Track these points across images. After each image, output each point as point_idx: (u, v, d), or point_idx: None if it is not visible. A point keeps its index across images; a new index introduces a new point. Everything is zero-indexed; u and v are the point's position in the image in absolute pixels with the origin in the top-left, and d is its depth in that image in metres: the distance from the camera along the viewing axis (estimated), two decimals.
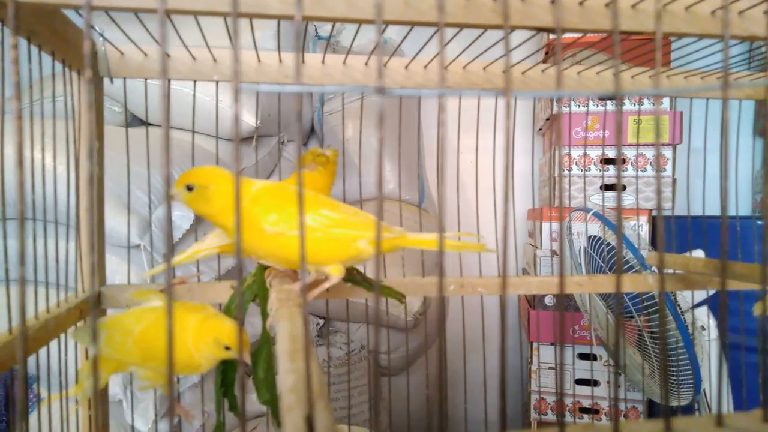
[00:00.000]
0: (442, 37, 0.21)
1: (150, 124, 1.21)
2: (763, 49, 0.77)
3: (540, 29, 0.44)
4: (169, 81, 0.62)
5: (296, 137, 1.75)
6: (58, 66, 0.53)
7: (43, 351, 0.49)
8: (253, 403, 1.19)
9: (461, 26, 0.43)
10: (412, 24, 0.43)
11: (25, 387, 0.23)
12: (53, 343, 0.50)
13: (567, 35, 1.03)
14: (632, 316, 1.04)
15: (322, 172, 0.63)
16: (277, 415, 0.52)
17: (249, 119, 1.27)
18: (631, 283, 0.71)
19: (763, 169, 1.57)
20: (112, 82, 0.60)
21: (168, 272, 0.19)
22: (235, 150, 0.18)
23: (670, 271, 0.75)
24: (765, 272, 0.23)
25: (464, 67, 0.67)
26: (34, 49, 0.48)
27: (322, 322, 1.43)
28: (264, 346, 0.54)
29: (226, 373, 0.55)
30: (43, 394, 1.04)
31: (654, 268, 0.87)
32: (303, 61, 0.64)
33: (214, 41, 0.62)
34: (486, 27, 0.43)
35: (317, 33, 1.65)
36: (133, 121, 1.44)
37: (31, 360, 0.79)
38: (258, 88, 0.19)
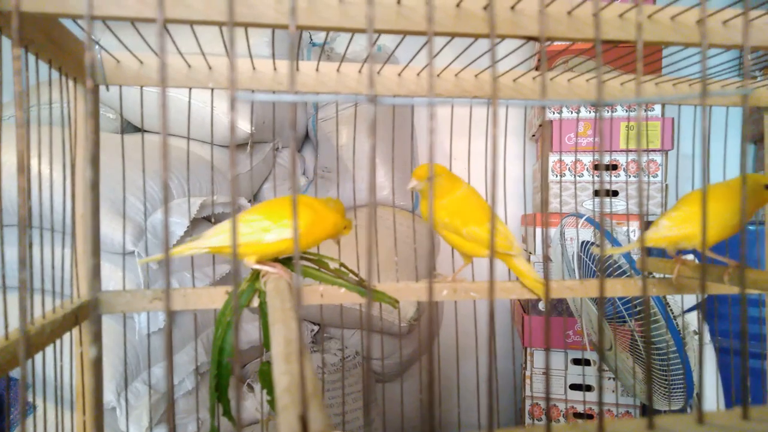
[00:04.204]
0: (431, 46, 0.22)
1: (145, 131, 1.22)
2: (755, 56, 0.78)
3: (529, 38, 0.45)
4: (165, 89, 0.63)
5: (290, 144, 1.76)
6: (48, 72, 0.53)
7: (37, 359, 0.49)
8: (246, 409, 1.19)
9: (452, 35, 0.44)
10: (404, 33, 0.44)
11: (25, 388, 0.23)
12: (48, 351, 0.50)
13: (558, 43, 1.04)
14: (625, 321, 1.05)
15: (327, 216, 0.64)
16: None
17: (244, 126, 1.28)
18: (622, 288, 0.72)
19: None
20: (107, 89, 0.61)
21: (167, 274, 0.20)
22: (231, 156, 0.19)
23: (661, 275, 0.76)
24: (743, 275, 0.24)
25: (456, 75, 0.68)
26: (31, 57, 0.48)
27: (316, 328, 1.44)
28: (270, 371, 0.56)
29: (220, 378, 0.55)
30: (37, 402, 1.03)
31: (647, 273, 0.88)
32: (297, 69, 0.65)
33: (207, 48, 0.62)
34: (476, 36, 0.44)
35: (311, 40, 1.67)
36: (126, 128, 1.44)
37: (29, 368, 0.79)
38: (253, 97, 0.20)
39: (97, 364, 0.60)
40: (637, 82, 0.23)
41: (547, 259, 0.25)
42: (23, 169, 0.20)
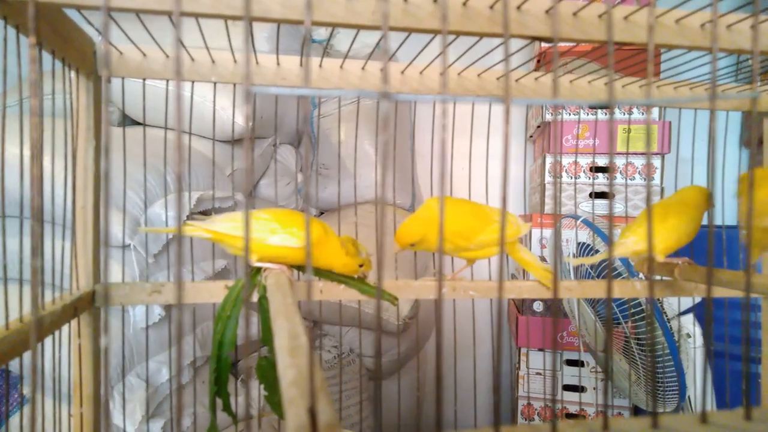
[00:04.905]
0: (444, 44, 0.22)
1: (147, 125, 1.21)
2: (750, 62, 0.79)
3: (535, 38, 0.45)
4: (167, 81, 0.63)
5: (287, 139, 1.73)
6: (52, 63, 0.53)
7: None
8: (239, 404, 1.19)
9: (458, 34, 0.44)
10: (411, 31, 0.44)
11: (35, 373, 0.23)
12: (46, 345, 0.50)
13: (560, 44, 1.04)
14: (619, 323, 1.06)
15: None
16: None
17: (242, 121, 1.28)
18: (619, 290, 0.72)
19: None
20: (110, 81, 0.61)
21: (178, 268, 0.20)
22: (246, 149, 0.19)
23: (658, 277, 0.76)
24: (749, 279, 0.24)
25: (459, 74, 0.68)
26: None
27: (311, 325, 1.44)
28: (268, 367, 0.56)
29: (219, 372, 0.55)
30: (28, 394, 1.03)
31: (641, 275, 0.89)
32: (301, 65, 0.65)
33: (209, 42, 0.62)
34: (483, 35, 0.44)
35: (311, 36, 1.66)
36: (122, 121, 1.44)
37: (18, 360, 0.78)
38: (270, 90, 0.20)
39: (97, 356, 0.60)
40: (647, 84, 0.23)
41: (544, 260, 0.25)
42: (37, 158, 0.20)
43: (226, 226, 0.58)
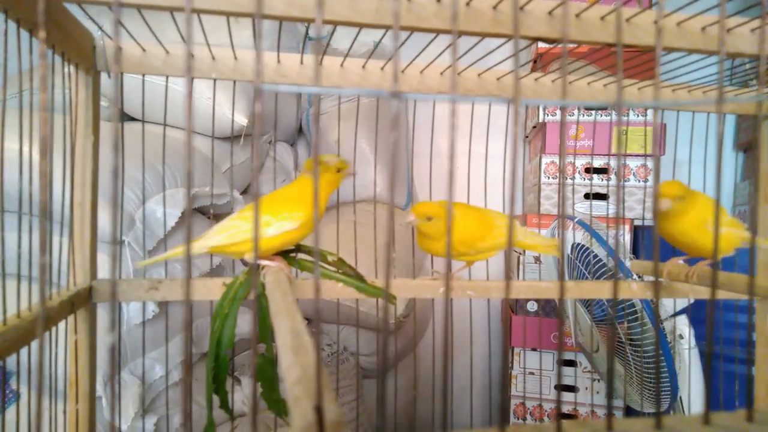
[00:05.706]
0: (455, 45, 0.22)
1: (135, 120, 1.20)
2: (746, 65, 0.79)
3: (537, 39, 0.45)
4: (167, 77, 0.63)
5: (283, 137, 1.72)
6: (52, 57, 0.52)
7: (25, 349, 0.49)
8: (236, 402, 1.18)
9: (462, 34, 0.44)
10: (414, 30, 0.44)
11: (41, 366, 0.23)
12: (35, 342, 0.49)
13: (558, 46, 1.04)
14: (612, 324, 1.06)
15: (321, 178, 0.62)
16: None
17: (239, 118, 1.28)
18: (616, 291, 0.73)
19: (749, 183, 1.61)
20: (110, 76, 0.60)
21: (187, 264, 0.20)
22: (254, 148, 0.19)
23: (653, 278, 0.76)
24: (752, 282, 0.25)
25: (459, 74, 0.68)
26: (27, 40, 0.47)
27: (305, 323, 1.43)
28: (266, 364, 0.56)
29: (217, 370, 0.55)
30: (22, 390, 1.02)
31: (636, 276, 0.89)
32: (301, 62, 0.65)
33: (208, 38, 0.62)
34: (486, 35, 0.44)
35: (308, 34, 1.66)
36: (120, 117, 1.43)
37: (13, 356, 0.78)
38: (278, 88, 0.20)
39: (93, 352, 0.60)
40: (654, 85, 0.23)
41: (539, 260, 0.25)
42: (45, 153, 0.20)
43: (222, 238, 0.57)
